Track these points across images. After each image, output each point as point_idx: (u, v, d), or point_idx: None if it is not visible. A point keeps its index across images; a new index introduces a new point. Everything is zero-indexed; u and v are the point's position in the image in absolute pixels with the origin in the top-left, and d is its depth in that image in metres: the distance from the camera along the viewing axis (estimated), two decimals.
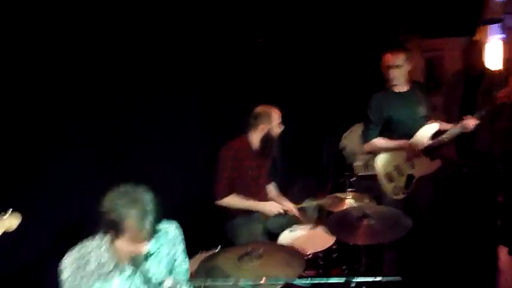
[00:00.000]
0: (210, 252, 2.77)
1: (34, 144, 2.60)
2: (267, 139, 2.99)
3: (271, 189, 3.28)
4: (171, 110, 3.26)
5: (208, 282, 1.62)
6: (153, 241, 1.79)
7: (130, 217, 1.57)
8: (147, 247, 1.68)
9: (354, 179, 3.77)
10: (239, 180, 2.97)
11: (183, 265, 1.98)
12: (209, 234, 3.07)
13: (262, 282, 1.59)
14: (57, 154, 2.60)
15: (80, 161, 2.72)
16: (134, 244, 1.62)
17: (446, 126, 3.07)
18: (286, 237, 2.89)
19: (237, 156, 2.94)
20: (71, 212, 2.69)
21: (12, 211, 1.67)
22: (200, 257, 2.74)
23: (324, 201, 3.29)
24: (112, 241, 1.64)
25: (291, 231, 2.95)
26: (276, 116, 2.99)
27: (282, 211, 3.02)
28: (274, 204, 3.04)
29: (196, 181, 3.30)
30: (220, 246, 2.84)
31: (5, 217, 1.63)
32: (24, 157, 2.51)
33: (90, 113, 2.66)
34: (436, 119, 3.17)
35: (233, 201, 2.94)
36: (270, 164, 3.19)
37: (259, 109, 3.02)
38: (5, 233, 1.63)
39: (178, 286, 1.83)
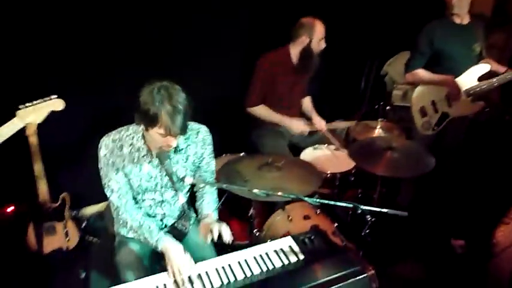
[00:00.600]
0: (234, 157, 2.93)
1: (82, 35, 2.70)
2: (306, 53, 2.90)
3: (307, 103, 3.26)
4: (213, 15, 3.20)
5: (226, 186, 1.72)
6: (182, 138, 1.90)
7: (164, 111, 1.63)
8: (175, 142, 1.75)
9: (388, 108, 3.69)
10: (271, 92, 2.97)
11: (209, 166, 2.06)
12: (236, 139, 3.19)
13: (277, 193, 1.67)
14: (104, 49, 2.71)
15: (122, 56, 2.82)
16: (165, 137, 1.70)
17: (499, 68, 2.86)
18: (308, 153, 2.97)
19: (272, 69, 2.90)
20: (111, 100, 2.86)
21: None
22: (223, 159, 2.91)
23: (353, 126, 3.28)
24: (146, 131, 1.74)
25: (314, 148, 3.02)
26: (319, 28, 2.85)
27: (306, 132, 3.06)
28: (301, 123, 3.06)
29: (232, 88, 3.33)
30: (244, 153, 2.98)
31: (52, 99, 1.75)
32: (73, 46, 2.62)
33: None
34: (491, 58, 2.95)
35: (262, 111, 2.99)
36: (307, 80, 3.14)
37: (303, 20, 2.88)
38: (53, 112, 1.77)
39: (203, 175, 2.00)
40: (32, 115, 1.71)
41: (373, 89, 4.14)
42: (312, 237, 1.86)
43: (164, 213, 2.05)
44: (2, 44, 2.57)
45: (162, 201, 2.00)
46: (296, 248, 1.82)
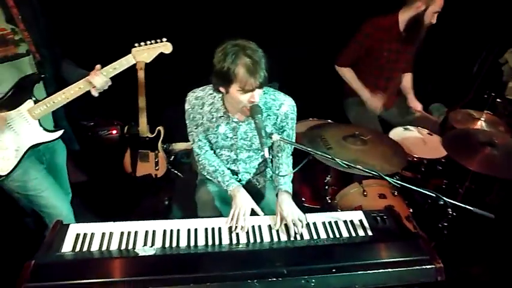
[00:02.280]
0: (320, 122, 2.92)
1: None
2: (416, 22, 2.68)
3: (407, 79, 3.08)
4: None
5: (310, 150, 1.72)
6: (262, 105, 1.84)
7: (240, 64, 1.60)
8: (258, 96, 1.72)
9: (499, 100, 3.34)
10: (372, 60, 2.83)
11: (289, 138, 1.96)
12: (325, 104, 3.16)
13: (358, 167, 1.65)
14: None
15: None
16: (245, 94, 1.69)
17: None
18: (398, 133, 2.85)
19: (375, 35, 2.74)
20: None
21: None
22: (309, 123, 2.92)
23: (455, 113, 3.04)
24: (226, 93, 1.75)
25: (405, 129, 2.89)
26: (440, 1, 2.63)
27: (378, 111, 2.92)
28: (378, 102, 2.90)
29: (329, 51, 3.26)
30: (330, 120, 2.95)
31: (163, 41, 1.89)
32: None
33: None
34: None
35: (347, 74, 2.90)
36: (413, 53, 2.94)
37: None
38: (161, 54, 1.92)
39: (282, 144, 2.00)
40: (144, 54, 1.87)
41: (486, 76, 3.74)
42: (385, 217, 1.84)
43: (238, 171, 2.13)
44: None
45: (237, 160, 2.08)
46: (366, 223, 1.82)
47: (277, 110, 1.90)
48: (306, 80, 2.39)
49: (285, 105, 1.90)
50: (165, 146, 3.33)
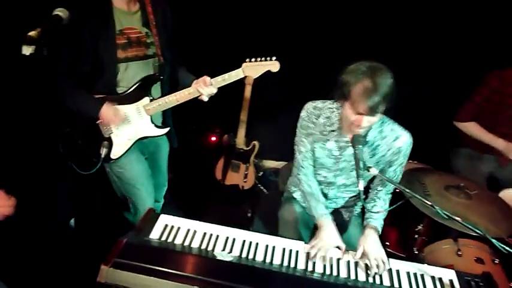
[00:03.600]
0: (421, 166, 2.74)
1: None
2: None
3: None
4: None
5: (409, 192, 1.61)
6: (377, 133, 1.82)
7: (359, 85, 1.56)
8: (366, 125, 1.66)
9: None
10: (492, 114, 2.59)
11: (396, 175, 1.90)
12: (428, 149, 2.97)
13: (458, 219, 1.50)
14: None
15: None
16: (354, 115, 1.63)
17: None
18: (510, 195, 2.54)
19: (502, 88, 2.50)
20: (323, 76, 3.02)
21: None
22: (409, 165, 2.75)
23: None
24: (341, 106, 1.72)
25: None
26: None
27: None
28: None
29: (446, 95, 3.07)
30: (431, 166, 2.76)
31: (272, 60, 1.97)
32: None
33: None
34: None
35: (473, 128, 2.65)
36: None
37: None
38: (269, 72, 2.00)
39: (382, 181, 1.91)
40: (252, 69, 1.96)
41: None
42: (480, 283, 1.64)
43: (327, 195, 2.08)
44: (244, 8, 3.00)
45: (332, 183, 2.03)
46: (457, 285, 1.64)
47: (392, 142, 1.82)
48: (417, 121, 2.28)
49: (401, 139, 1.82)
50: (256, 161, 3.41)
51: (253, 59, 1.96)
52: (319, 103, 1.91)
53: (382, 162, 1.87)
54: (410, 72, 3.01)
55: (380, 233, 1.85)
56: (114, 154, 2.08)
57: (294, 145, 2.02)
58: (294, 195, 2.19)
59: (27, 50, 1.43)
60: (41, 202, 2.45)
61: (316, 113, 1.89)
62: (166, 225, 1.75)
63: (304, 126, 1.92)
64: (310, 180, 2.01)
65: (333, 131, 1.87)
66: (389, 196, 1.97)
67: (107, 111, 1.94)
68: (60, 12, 1.59)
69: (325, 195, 2.07)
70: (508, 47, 2.84)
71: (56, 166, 2.16)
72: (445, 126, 2.82)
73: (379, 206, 1.92)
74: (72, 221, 2.41)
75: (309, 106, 1.91)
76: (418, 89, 3.11)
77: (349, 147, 1.86)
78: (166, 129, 2.16)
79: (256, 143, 3.24)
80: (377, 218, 1.88)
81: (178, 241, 1.68)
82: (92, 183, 2.27)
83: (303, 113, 1.92)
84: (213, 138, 3.50)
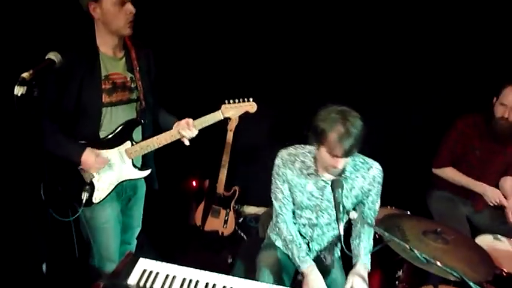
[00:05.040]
0: (398, 212, 2.78)
1: None
2: (490, 117, 2.56)
3: (507, 183, 2.80)
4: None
5: (388, 236, 1.65)
6: (351, 167, 1.91)
7: (333, 131, 1.67)
8: (342, 165, 1.77)
9: None
10: (462, 157, 2.71)
11: (374, 205, 2.00)
12: (405, 194, 3.03)
13: (438, 263, 1.53)
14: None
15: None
16: (331, 158, 1.74)
17: None
18: (486, 240, 2.59)
19: (466, 131, 2.64)
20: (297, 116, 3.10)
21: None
22: (387, 210, 2.80)
23: None
24: (316, 149, 1.82)
25: (495, 238, 2.62)
26: (508, 93, 2.46)
27: (504, 203, 2.65)
28: (498, 192, 2.66)
29: (421, 143, 3.20)
30: (409, 211, 2.80)
31: (250, 101, 2.04)
32: None
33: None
34: None
35: (450, 173, 2.74)
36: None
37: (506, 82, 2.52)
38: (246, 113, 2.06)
39: (361, 223, 1.95)
40: (231, 111, 2.03)
41: None
42: None
43: (312, 237, 2.10)
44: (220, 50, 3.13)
45: (316, 225, 2.06)
46: None
47: (366, 172, 1.93)
48: (389, 166, 2.36)
49: (373, 168, 1.94)
50: (236, 207, 3.39)
51: (231, 101, 2.02)
52: (291, 149, 2.00)
53: (361, 194, 1.96)
54: (383, 119, 3.15)
55: (369, 269, 1.90)
56: (96, 198, 2.05)
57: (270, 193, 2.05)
58: (276, 243, 2.20)
59: (19, 91, 1.45)
60: (15, 244, 2.35)
61: (291, 159, 1.97)
62: (144, 270, 1.69)
63: (280, 173, 1.98)
64: (290, 227, 2.03)
65: (310, 174, 1.94)
66: (372, 230, 2.02)
67: (89, 157, 1.94)
68: (53, 56, 1.63)
69: (311, 237, 2.09)
70: (476, 94, 3.01)
71: (34, 211, 2.11)
72: (420, 170, 2.91)
73: (365, 241, 1.97)
74: (44, 266, 2.31)
75: (283, 153, 1.99)
76: (392, 134, 3.24)
77: (327, 186, 1.93)
78: (148, 171, 2.16)
79: (237, 188, 3.24)
80: (366, 253, 1.93)
81: (156, 286, 1.63)
82: (69, 229, 2.20)
83: (277, 161, 1.99)
84: (194, 183, 3.48)
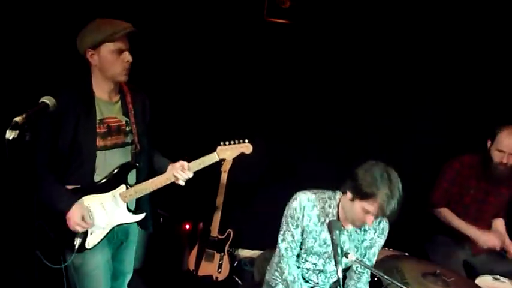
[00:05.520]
0: (397, 253, 2.74)
1: None
2: (488, 161, 2.59)
3: (498, 225, 2.82)
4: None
5: (387, 278, 1.61)
6: None
7: (383, 193, 1.67)
8: (370, 223, 1.76)
9: None
10: (458, 197, 2.71)
11: (373, 257, 2.02)
12: (403, 236, 3.00)
13: None
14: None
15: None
16: (366, 214, 1.73)
17: None
18: (486, 281, 2.54)
19: (463, 171, 2.67)
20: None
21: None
22: (385, 252, 2.75)
23: None
24: (350, 200, 1.79)
25: (495, 279, 2.57)
26: (506, 141, 2.50)
27: (497, 248, 2.63)
28: (492, 237, 2.64)
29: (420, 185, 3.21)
30: (407, 253, 2.76)
31: (246, 142, 2.05)
32: None
33: None
34: None
35: (446, 214, 2.72)
36: (507, 196, 2.75)
37: (499, 126, 2.58)
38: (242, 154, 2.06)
39: (358, 265, 1.92)
40: (227, 152, 2.02)
41: None
42: None
43: (317, 283, 2.06)
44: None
45: (321, 271, 2.02)
46: None
47: (377, 225, 1.96)
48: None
49: (384, 221, 1.96)
50: (231, 250, 3.32)
51: (227, 142, 2.03)
52: (311, 194, 1.96)
53: (368, 245, 1.97)
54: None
55: None
56: (89, 244, 1.98)
57: (278, 233, 2.01)
58: (279, 283, 2.13)
59: (10, 135, 1.43)
60: None
61: (311, 205, 1.93)
62: None
63: (295, 217, 1.93)
64: (292, 269, 1.98)
65: (326, 222, 1.91)
66: (367, 279, 2.01)
67: (76, 214, 1.89)
68: (47, 100, 1.63)
69: (316, 284, 2.06)
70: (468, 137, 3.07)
71: (22, 258, 2.03)
72: (419, 213, 2.89)
73: None
74: None
75: (302, 197, 1.94)
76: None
77: (343, 235, 1.93)
78: (142, 215, 2.11)
79: (231, 231, 3.18)
80: None
81: None
82: (59, 278, 2.12)
83: (294, 204, 1.94)
84: (187, 226, 3.41)
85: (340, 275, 1.58)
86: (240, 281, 3.26)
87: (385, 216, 1.75)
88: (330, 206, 1.92)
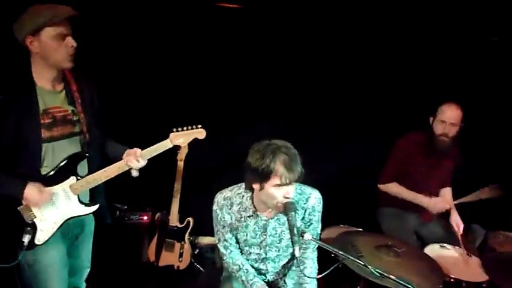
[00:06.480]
0: (351, 229, 2.85)
1: None
2: (431, 135, 2.76)
3: (446, 193, 3.00)
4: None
5: (342, 254, 1.67)
6: (296, 196, 1.90)
7: (278, 161, 1.68)
8: (293, 192, 1.78)
9: None
10: (406, 173, 2.86)
11: (315, 231, 2.01)
12: (357, 212, 3.12)
13: (392, 277, 1.57)
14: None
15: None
16: (281, 189, 1.73)
17: None
18: (434, 249, 2.70)
19: (409, 149, 2.81)
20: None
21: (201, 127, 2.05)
22: (340, 229, 2.85)
23: (495, 234, 2.89)
24: (261, 190, 1.78)
25: (441, 246, 2.75)
26: (447, 113, 2.69)
27: (446, 207, 2.81)
28: (439, 201, 2.81)
29: (365, 159, 3.33)
30: (362, 229, 2.88)
31: (198, 128, 2.03)
32: None
33: None
34: None
35: (395, 188, 2.87)
36: (452, 167, 2.94)
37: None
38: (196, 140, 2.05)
39: (314, 243, 1.96)
40: (180, 139, 2.00)
41: None
42: None
43: (267, 269, 2.08)
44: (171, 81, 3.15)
45: (266, 258, 2.05)
46: None
47: (305, 204, 1.94)
48: (336, 187, 2.43)
49: (312, 198, 1.95)
50: (191, 238, 3.30)
51: (179, 128, 2.00)
52: (227, 192, 1.98)
53: (303, 225, 1.96)
54: (333, 140, 3.27)
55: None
56: (39, 240, 1.90)
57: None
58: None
59: None
60: None
61: (228, 203, 1.95)
62: None
63: (220, 219, 1.97)
64: (236, 259, 2.03)
65: (249, 216, 1.94)
66: (316, 252, 2.05)
67: (31, 191, 1.81)
68: None
69: (264, 272, 2.09)
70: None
71: None
72: (370, 189, 3.02)
73: (309, 267, 1.98)
74: None
75: (219, 199, 1.97)
76: (340, 157, 3.35)
77: (270, 223, 1.95)
78: (96, 207, 2.04)
79: (190, 219, 3.16)
80: (312, 280, 1.94)
81: None
82: (11, 277, 2.01)
83: (214, 207, 1.98)
84: (145, 218, 3.35)
85: (298, 253, 1.62)
86: (202, 268, 3.26)
87: (295, 179, 1.72)
88: (247, 200, 1.93)
